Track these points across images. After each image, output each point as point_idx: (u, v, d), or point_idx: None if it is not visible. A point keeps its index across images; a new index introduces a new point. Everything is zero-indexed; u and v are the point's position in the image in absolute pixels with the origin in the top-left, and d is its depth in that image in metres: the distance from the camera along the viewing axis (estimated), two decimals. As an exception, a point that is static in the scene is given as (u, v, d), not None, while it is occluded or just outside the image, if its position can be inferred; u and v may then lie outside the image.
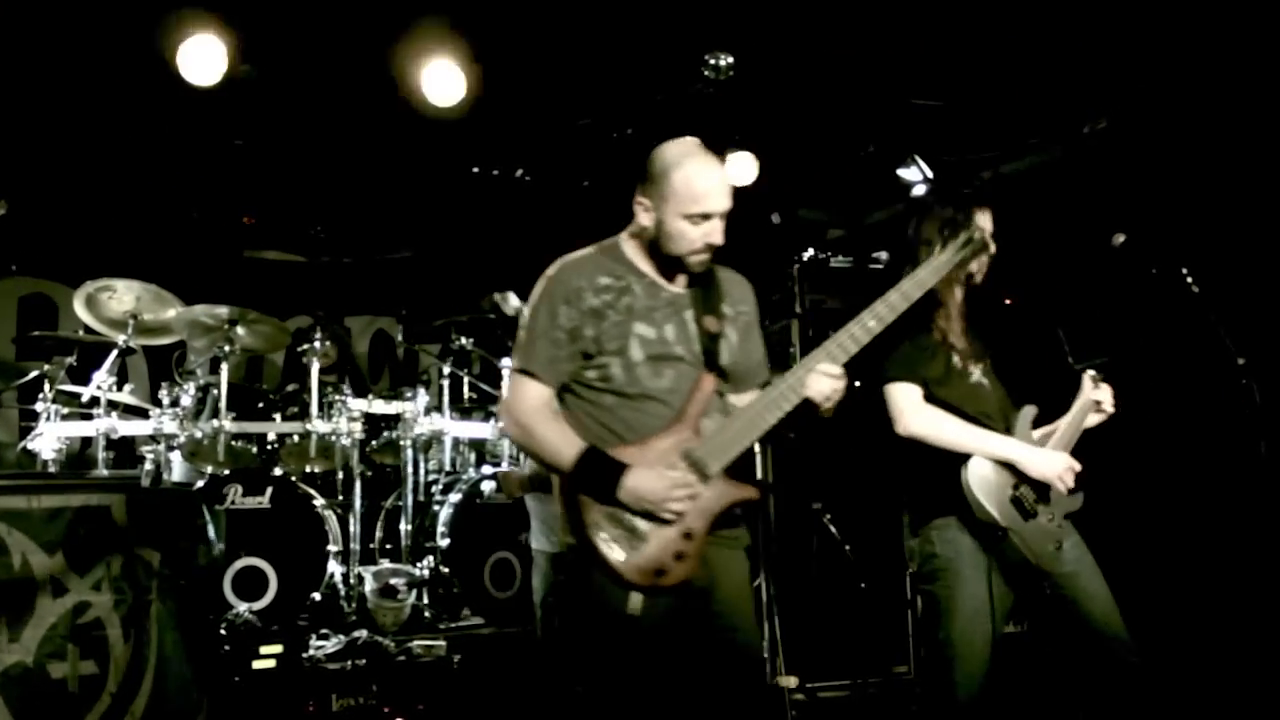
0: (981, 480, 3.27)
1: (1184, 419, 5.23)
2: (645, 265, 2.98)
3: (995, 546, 3.26)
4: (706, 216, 2.86)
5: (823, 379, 2.84)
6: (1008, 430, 3.41)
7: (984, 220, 3.37)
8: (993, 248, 3.30)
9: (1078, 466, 3.35)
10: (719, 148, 6.17)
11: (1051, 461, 3.32)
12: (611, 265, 2.96)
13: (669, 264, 2.95)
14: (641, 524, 2.78)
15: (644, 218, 2.93)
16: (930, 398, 3.35)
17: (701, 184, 2.85)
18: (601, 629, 2.81)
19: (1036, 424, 3.47)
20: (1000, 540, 3.26)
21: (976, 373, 3.44)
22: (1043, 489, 3.34)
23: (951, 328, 3.40)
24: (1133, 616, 3.34)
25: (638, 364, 2.88)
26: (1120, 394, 3.56)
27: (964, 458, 3.29)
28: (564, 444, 2.84)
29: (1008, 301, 3.85)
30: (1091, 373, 3.52)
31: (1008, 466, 3.32)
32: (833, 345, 2.89)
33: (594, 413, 2.92)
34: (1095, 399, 3.47)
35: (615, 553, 2.76)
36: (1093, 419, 3.50)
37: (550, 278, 2.96)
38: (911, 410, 3.32)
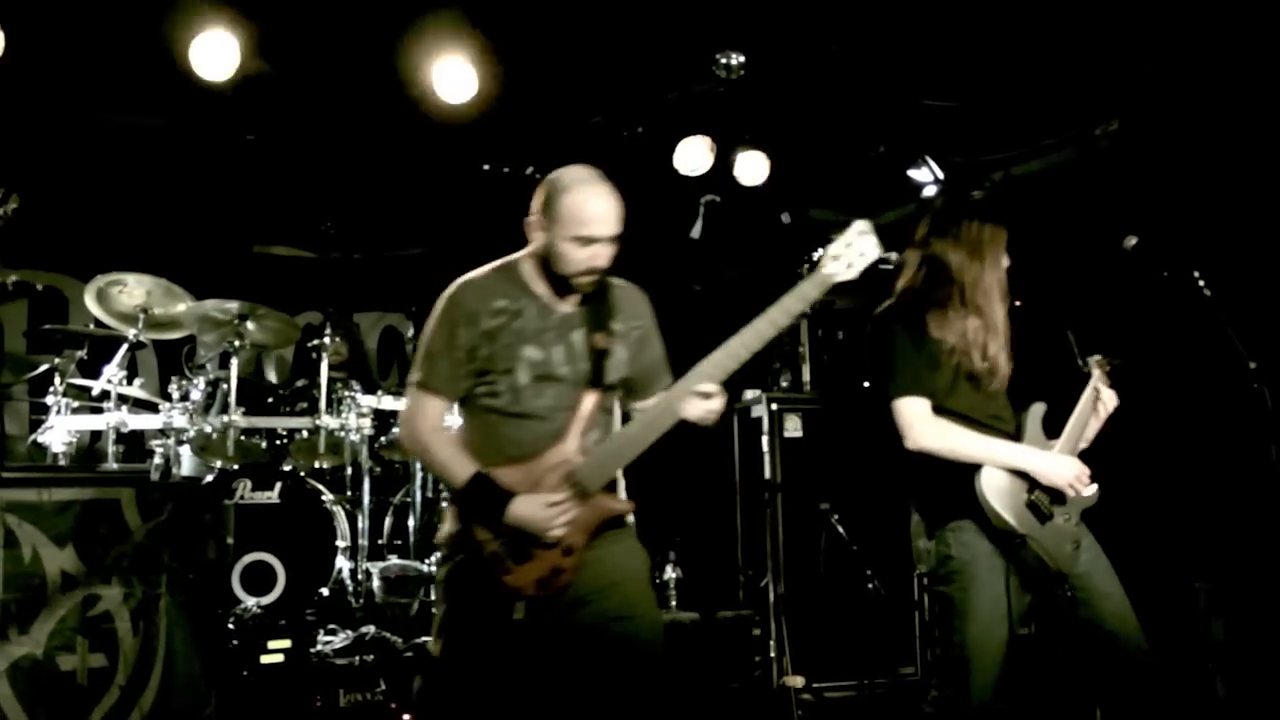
0: (996, 489, 3.27)
1: (1195, 423, 5.21)
2: (540, 286, 3.10)
3: (1013, 552, 3.26)
4: (591, 240, 2.98)
5: (697, 401, 2.95)
6: (1019, 431, 3.41)
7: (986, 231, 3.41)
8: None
9: (1087, 472, 3.34)
10: (729, 146, 6.27)
11: (1061, 467, 3.32)
12: (507, 287, 3.09)
13: (560, 284, 3.07)
14: (525, 543, 2.94)
15: (537, 238, 3.07)
16: (940, 409, 3.34)
17: (589, 210, 2.97)
18: (485, 633, 2.97)
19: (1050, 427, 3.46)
20: (1019, 547, 3.26)
21: (995, 381, 3.41)
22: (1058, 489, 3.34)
23: (980, 340, 3.37)
24: (1143, 619, 3.34)
25: (523, 386, 3.03)
26: (1131, 398, 3.55)
27: (977, 464, 3.29)
28: (457, 466, 3.02)
29: (1017, 303, 3.84)
30: (1099, 358, 3.51)
31: (1021, 472, 3.32)
32: (710, 365, 2.96)
33: (481, 428, 3.10)
34: (1099, 386, 3.46)
35: (502, 566, 2.94)
36: (1094, 425, 3.48)
37: (449, 298, 3.11)
38: (920, 425, 3.31)
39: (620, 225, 3.02)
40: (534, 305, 3.08)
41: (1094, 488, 3.39)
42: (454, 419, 3.22)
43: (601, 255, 3.01)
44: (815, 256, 3.07)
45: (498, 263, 3.17)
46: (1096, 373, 3.50)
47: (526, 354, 3.04)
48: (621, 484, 3.16)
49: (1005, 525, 3.25)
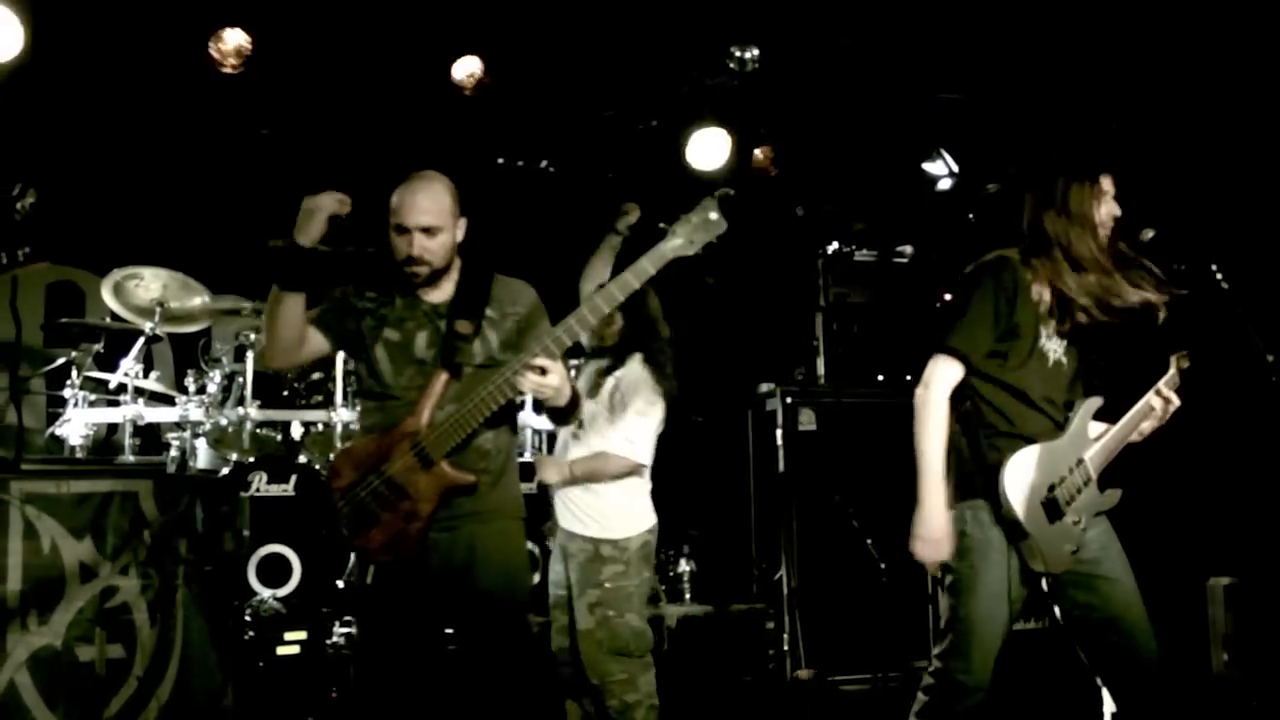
0: (1017, 480, 3.25)
1: (1213, 416, 5.18)
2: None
3: (1015, 542, 3.26)
4: (403, 229, 3.22)
5: (531, 375, 3.11)
6: (1065, 421, 3.38)
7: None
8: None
9: (934, 555, 3.28)
10: (743, 139, 6.26)
11: (921, 534, 3.26)
12: (388, 281, 3.35)
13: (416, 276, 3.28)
14: (373, 507, 3.18)
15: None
16: (989, 376, 3.32)
17: (401, 197, 3.25)
18: (355, 596, 3.33)
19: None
20: (1020, 539, 3.26)
21: (1058, 350, 3.36)
22: (1084, 482, 3.32)
23: (1060, 296, 3.30)
24: (1158, 617, 3.33)
25: (381, 364, 3.29)
26: (1128, 393, 3.53)
27: (1013, 448, 3.27)
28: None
29: None
30: (1180, 354, 3.48)
31: (1053, 462, 3.30)
32: (548, 338, 3.15)
33: (361, 411, 3.46)
34: (1162, 388, 3.43)
35: (352, 531, 3.21)
36: (1150, 425, 3.46)
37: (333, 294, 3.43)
38: (931, 387, 3.30)
39: (436, 217, 3.21)
40: (406, 296, 3.32)
41: (1116, 491, 3.39)
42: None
43: (416, 244, 3.21)
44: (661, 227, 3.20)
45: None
46: (1171, 371, 3.47)
47: (386, 335, 3.29)
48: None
49: (1012, 515, 3.24)
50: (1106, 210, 3.36)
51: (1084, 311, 3.31)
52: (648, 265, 3.18)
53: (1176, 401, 3.46)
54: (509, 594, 3.31)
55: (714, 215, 3.23)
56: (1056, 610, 3.40)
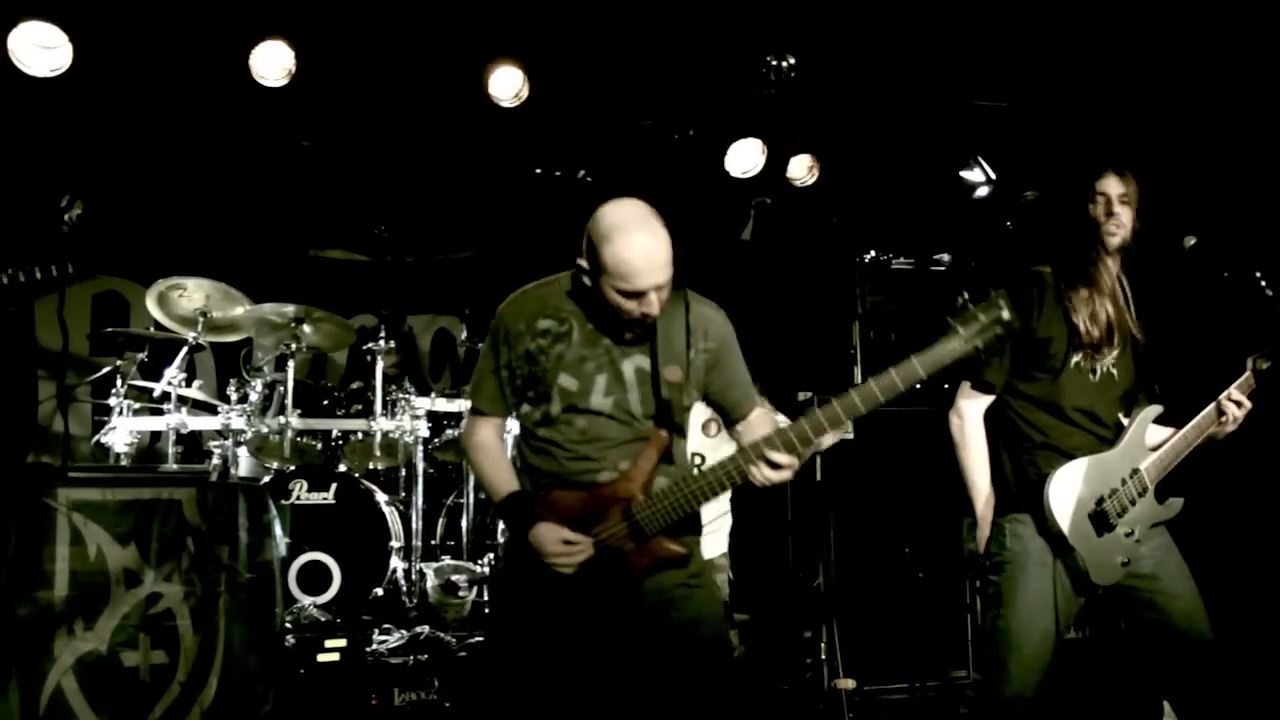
0: (1062, 492, 3.25)
1: (1255, 422, 5.11)
2: (591, 310, 2.98)
3: (1061, 555, 3.25)
4: (639, 294, 2.83)
5: (764, 467, 2.81)
6: (1120, 428, 3.36)
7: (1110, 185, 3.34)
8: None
9: None
10: (780, 149, 6.25)
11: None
12: (557, 307, 3.00)
13: (614, 317, 2.93)
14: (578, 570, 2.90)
15: (584, 276, 2.93)
16: (1019, 391, 3.35)
17: (632, 264, 2.79)
18: (534, 630, 2.97)
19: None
20: (1066, 552, 3.24)
21: (1106, 362, 3.35)
22: (1139, 493, 3.29)
23: (1089, 314, 3.31)
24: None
25: (555, 415, 2.97)
26: (1192, 398, 3.49)
27: (1050, 462, 3.28)
28: (497, 482, 3.06)
29: None
30: (1257, 356, 3.44)
31: (1104, 475, 3.28)
32: (792, 432, 2.80)
33: (525, 450, 3.08)
34: (1226, 407, 3.39)
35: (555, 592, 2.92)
36: (1219, 429, 3.43)
37: (498, 315, 3.09)
38: (964, 416, 3.40)
39: (668, 268, 2.83)
40: (583, 330, 2.98)
41: (1177, 500, 3.35)
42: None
43: (652, 304, 2.84)
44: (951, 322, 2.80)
45: (552, 278, 3.07)
46: (1246, 374, 3.43)
47: (562, 382, 2.96)
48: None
49: (1056, 529, 3.24)
50: (1113, 220, 3.33)
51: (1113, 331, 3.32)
52: (919, 369, 2.78)
53: (1248, 405, 3.42)
54: (723, 652, 3.10)
55: (1006, 315, 2.78)
56: (1121, 622, 3.38)
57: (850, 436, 5.94)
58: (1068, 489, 3.27)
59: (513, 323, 3.03)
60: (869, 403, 2.80)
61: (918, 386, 2.81)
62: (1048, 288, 3.35)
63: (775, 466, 2.80)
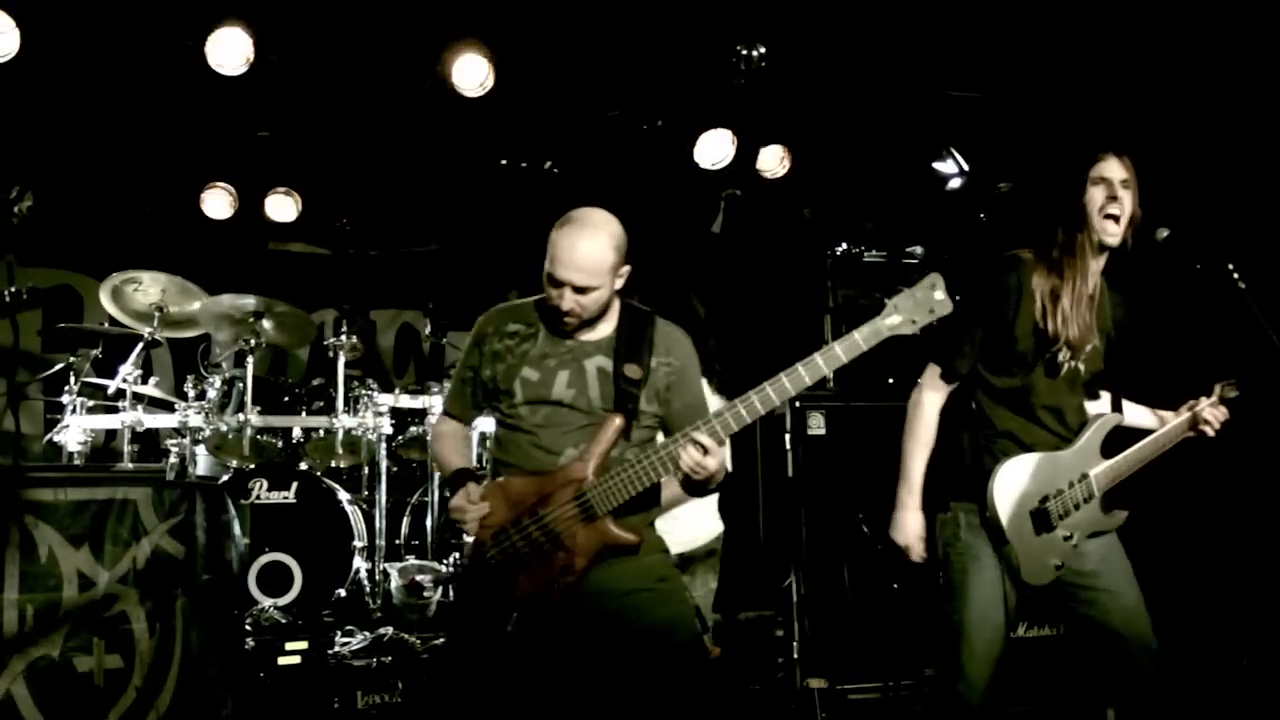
0: (1007, 486, 3.22)
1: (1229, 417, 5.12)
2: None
3: (998, 546, 3.21)
4: (555, 281, 3.01)
5: (693, 450, 2.93)
6: (1079, 427, 3.32)
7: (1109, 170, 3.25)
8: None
9: (913, 548, 3.33)
10: (750, 140, 6.20)
11: (899, 529, 3.35)
12: (529, 314, 3.20)
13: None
14: (524, 553, 3.02)
15: None
16: (988, 385, 3.30)
17: (559, 249, 3.00)
18: (482, 640, 3.06)
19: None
20: (1002, 544, 3.20)
21: (1076, 361, 3.29)
22: (1084, 499, 3.25)
23: (1066, 315, 3.24)
24: (1163, 621, 3.27)
25: (519, 404, 3.11)
26: (1164, 393, 3.47)
27: (1006, 453, 3.24)
28: (447, 462, 3.28)
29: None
30: (1225, 383, 3.42)
31: (1053, 473, 3.24)
32: (719, 420, 2.95)
33: (501, 442, 3.21)
34: (1206, 417, 3.37)
35: (499, 573, 3.04)
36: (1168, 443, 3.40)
37: (476, 324, 3.27)
38: (922, 399, 3.35)
39: (593, 275, 2.98)
40: (546, 334, 3.15)
41: (1121, 514, 3.32)
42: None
43: (567, 299, 3.01)
44: (885, 302, 2.92)
45: (537, 297, 3.21)
46: (1213, 397, 3.41)
47: (525, 374, 3.12)
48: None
49: (995, 520, 3.20)
50: (1115, 205, 3.24)
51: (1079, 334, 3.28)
52: (859, 340, 2.90)
53: (1224, 415, 3.41)
54: (696, 658, 3.12)
55: (939, 295, 2.91)
56: (1062, 622, 3.36)
57: (822, 432, 5.91)
58: (1014, 482, 3.23)
59: (485, 327, 3.23)
60: (812, 375, 2.93)
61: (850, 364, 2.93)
62: (1026, 277, 3.27)
63: (702, 450, 2.92)
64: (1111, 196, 3.23)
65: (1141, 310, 3.54)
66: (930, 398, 3.34)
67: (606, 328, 3.15)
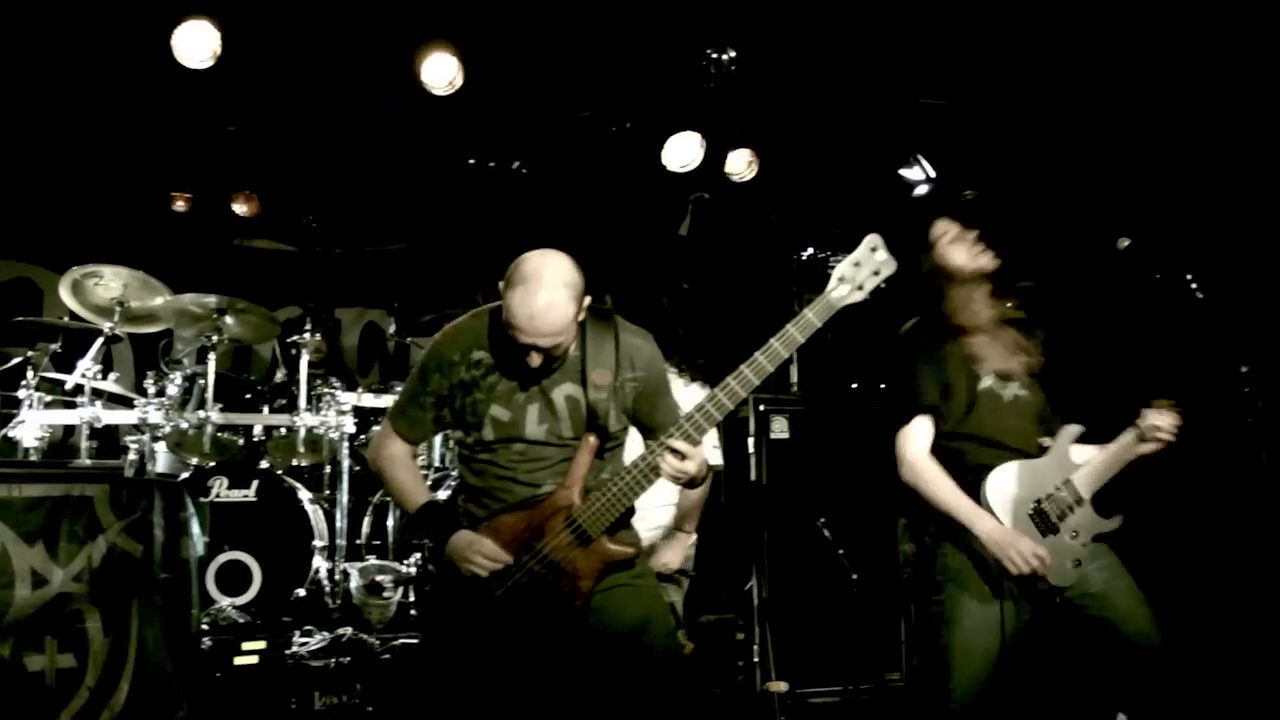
0: (999, 491, 3.26)
1: (1185, 426, 5.17)
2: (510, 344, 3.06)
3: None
4: (523, 345, 2.93)
5: (670, 457, 2.93)
6: (1039, 449, 3.37)
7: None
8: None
9: (1037, 557, 3.22)
10: (719, 143, 6.20)
11: (1006, 544, 3.21)
12: (491, 337, 3.08)
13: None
14: (532, 591, 2.99)
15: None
16: (952, 433, 3.35)
17: (520, 316, 2.89)
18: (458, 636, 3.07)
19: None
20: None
21: (1013, 386, 3.38)
22: (1075, 501, 3.28)
23: (980, 341, 3.35)
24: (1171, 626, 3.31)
25: (491, 442, 3.07)
26: (1123, 402, 3.50)
27: (985, 470, 3.28)
28: (411, 495, 3.20)
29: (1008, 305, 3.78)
30: (1163, 402, 3.44)
31: (1036, 479, 3.28)
32: (690, 422, 2.93)
33: (466, 471, 3.18)
34: (1154, 424, 3.39)
35: (516, 618, 3.01)
36: (1147, 446, 3.43)
37: (434, 342, 3.18)
38: (911, 458, 3.35)
39: (559, 335, 2.91)
40: (510, 359, 3.03)
41: (1117, 517, 3.35)
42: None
43: (534, 359, 2.94)
44: (831, 273, 2.94)
45: (483, 309, 3.14)
46: (1150, 415, 3.43)
47: (494, 412, 3.06)
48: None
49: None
50: (960, 258, 3.44)
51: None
52: (813, 318, 2.91)
53: (1174, 420, 3.44)
54: (671, 652, 3.18)
55: (881, 255, 2.92)
56: (1073, 639, 3.40)
57: (785, 436, 5.93)
58: (1004, 488, 3.29)
59: (448, 352, 3.12)
60: (772, 361, 2.93)
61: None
62: (925, 337, 3.42)
63: (680, 455, 2.92)
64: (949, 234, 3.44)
65: (1071, 342, 3.62)
66: (915, 446, 3.36)
67: (570, 348, 3.07)
